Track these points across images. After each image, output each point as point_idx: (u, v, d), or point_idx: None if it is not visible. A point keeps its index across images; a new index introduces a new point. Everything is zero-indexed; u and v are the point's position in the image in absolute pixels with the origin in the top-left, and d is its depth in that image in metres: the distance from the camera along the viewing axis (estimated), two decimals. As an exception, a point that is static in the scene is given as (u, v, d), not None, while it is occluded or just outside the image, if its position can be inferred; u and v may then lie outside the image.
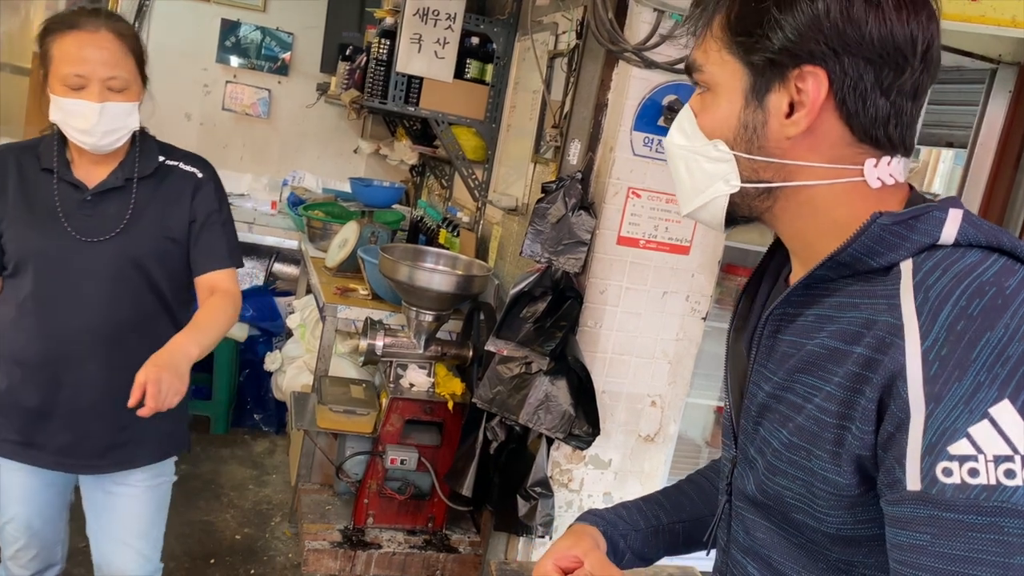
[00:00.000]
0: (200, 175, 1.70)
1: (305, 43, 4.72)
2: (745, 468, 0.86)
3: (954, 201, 0.74)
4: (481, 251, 3.15)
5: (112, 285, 1.60)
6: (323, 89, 4.54)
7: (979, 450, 0.62)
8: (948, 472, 0.62)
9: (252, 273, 4.61)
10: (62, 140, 1.61)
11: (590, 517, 1.04)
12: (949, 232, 0.71)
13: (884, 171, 0.77)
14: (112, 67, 1.52)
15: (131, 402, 1.38)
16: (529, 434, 2.27)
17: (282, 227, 4.36)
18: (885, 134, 0.76)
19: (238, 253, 1.77)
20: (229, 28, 4.62)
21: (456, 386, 2.54)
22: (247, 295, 4.12)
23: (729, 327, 0.95)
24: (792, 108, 0.75)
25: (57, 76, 1.51)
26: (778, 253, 0.92)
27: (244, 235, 4.23)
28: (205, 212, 1.69)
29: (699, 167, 0.82)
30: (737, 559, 0.89)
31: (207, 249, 1.70)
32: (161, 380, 1.40)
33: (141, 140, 1.66)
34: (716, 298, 2.57)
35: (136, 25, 4.51)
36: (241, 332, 3.87)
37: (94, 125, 1.51)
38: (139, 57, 1.58)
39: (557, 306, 2.23)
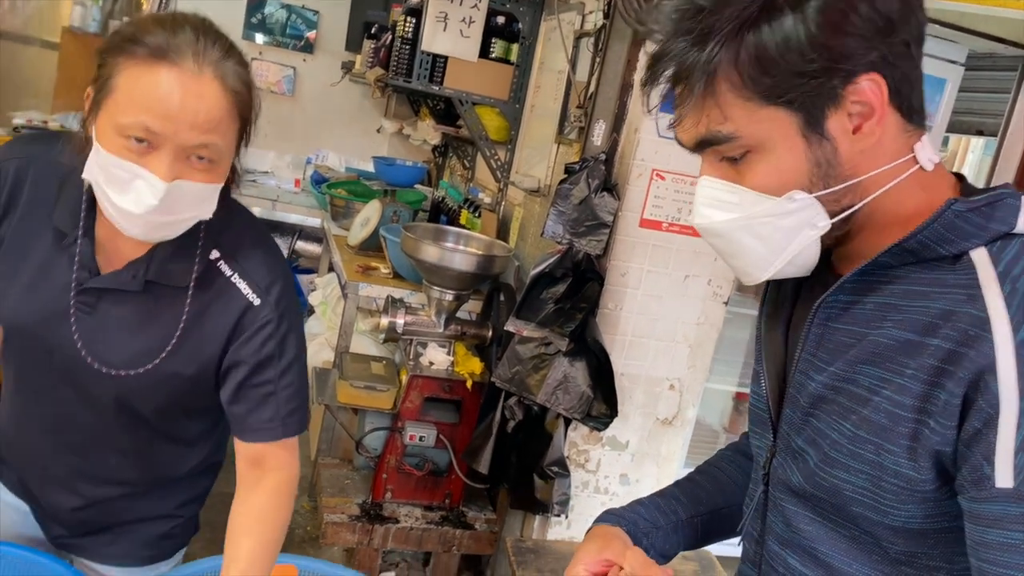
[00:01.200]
0: (256, 302, 1.13)
1: (330, 21, 4.72)
2: (787, 458, 0.83)
3: (1011, 188, 0.73)
4: (502, 232, 3.15)
5: (92, 404, 1.17)
6: (348, 67, 4.55)
7: None
8: None
9: None
10: (82, 186, 1.08)
11: (611, 518, 1.00)
12: None
13: (928, 149, 0.75)
14: (205, 131, 0.96)
15: None
16: (547, 414, 2.28)
17: (305, 205, 4.39)
18: (920, 102, 0.74)
19: (301, 414, 1.19)
20: (255, 5, 4.63)
21: (475, 365, 2.56)
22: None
23: (759, 314, 0.93)
24: (851, 119, 0.72)
25: (114, 119, 0.96)
26: None
27: (267, 213, 4.29)
28: (254, 358, 1.13)
29: (774, 228, 0.75)
30: (775, 551, 0.86)
31: (254, 413, 1.16)
32: None
33: (206, 222, 1.08)
34: (736, 284, 2.56)
35: (163, 0, 4.53)
36: (263, 308, 3.90)
37: (149, 212, 0.97)
38: (246, 119, 1.04)
39: (578, 288, 2.23)
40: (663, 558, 1.01)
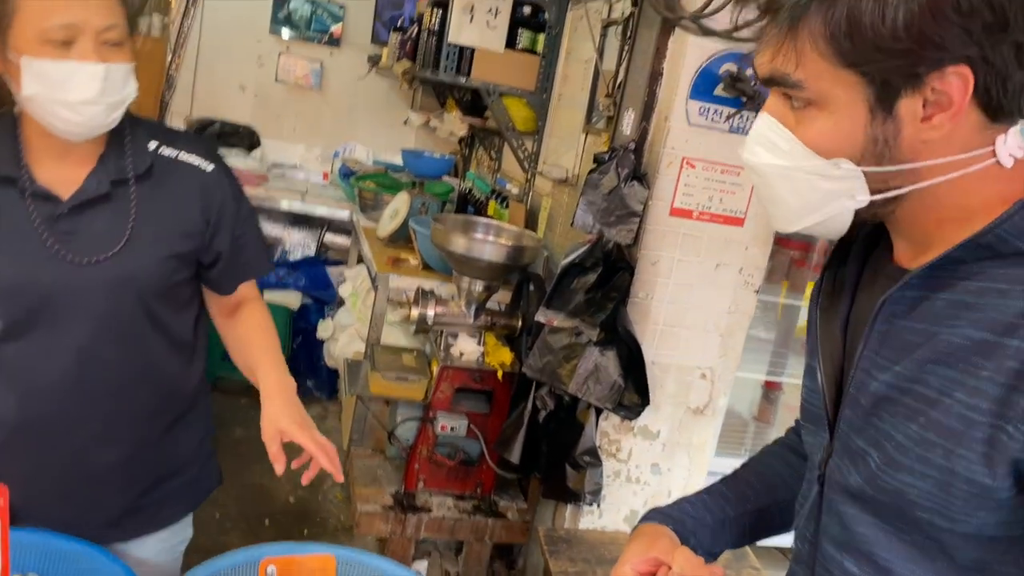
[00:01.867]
0: (208, 168, 1.31)
1: (356, 15, 4.74)
2: (846, 459, 0.80)
3: None
4: (530, 222, 3.16)
5: (104, 321, 1.23)
6: (375, 61, 4.57)
7: None
8: None
9: (304, 243, 4.70)
10: (13, 131, 1.20)
11: (657, 516, 0.99)
12: None
13: (1013, 144, 0.71)
14: (108, 14, 1.11)
15: (280, 470, 1.18)
16: (578, 404, 2.29)
17: (333, 198, 4.42)
18: (1017, 105, 0.69)
19: (267, 254, 1.45)
20: (281, 1, 4.66)
21: (505, 356, 2.57)
22: (300, 265, 4.20)
23: (813, 306, 0.90)
24: (925, 106, 0.68)
25: (31, 30, 1.07)
26: (864, 226, 0.85)
27: (297, 205, 4.33)
28: (227, 219, 1.32)
29: (811, 186, 0.74)
30: (829, 553, 0.83)
31: (235, 267, 1.37)
32: (318, 439, 1.22)
33: (128, 123, 1.25)
34: (766, 273, 2.54)
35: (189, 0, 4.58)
36: (294, 301, 3.94)
37: (98, 94, 1.10)
38: (128, 8, 1.18)
39: (608, 277, 2.23)
40: (710, 556, 0.99)
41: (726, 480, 1.07)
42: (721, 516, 1.00)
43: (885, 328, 0.77)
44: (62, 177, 1.20)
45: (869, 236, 0.86)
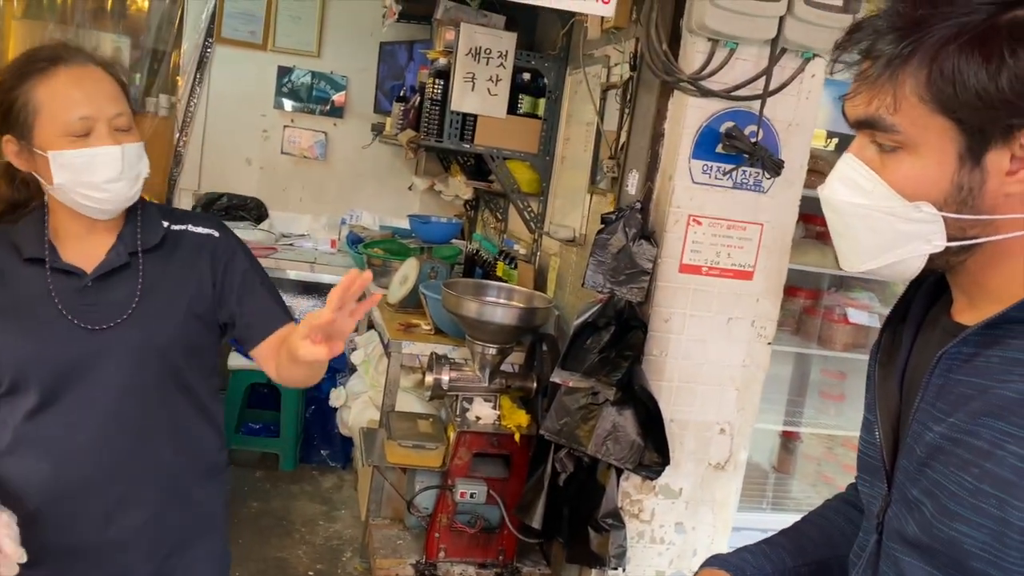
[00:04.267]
0: (216, 234, 1.42)
1: (358, 86, 4.85)
2: (903, 509, 0.82)
3: None
4: (539, 282, 3.18)
5: (131, 384, 1.30)
6: (379, 130, 4.65)
7: None
8: None
9: (314, 311, 4.71)
10: (41, 219, 1.32)
11: (716, 562, 1.02)
12: None
13: None
14: (115, 102, 1.25)
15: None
16: (598, 465, 2.27)
17: (342, 265, 4.46)
18: None
19: (283, 306, 1.48)
20: (283, 74, 4.78)
21: (522, 418, 2.56)
22: (311, 333, 4.21)
23: (871, 362, 0.93)
24: (1012, 160, 0.72)
25: (54, 127, 1.21)
26: (924, 285, 0.89)
27: (306, 274, 4.36)
28: (238, 274, 1.41)
29: (890, 227, 0.77)
30: None
31: (260, 313, 1.41)
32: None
33: (140, 204, 1.37)
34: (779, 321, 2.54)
35: (198, 76, 4.70)
36: (306, 369, 3.94)
37: (120, 172, 1.23)
38: (126, 93, 1.31)
39: (621, 336, 2.24)
40: None
41: (786, 532, 1.09)
42: (781, 567, 1.02)
43: (941, 382, 0.79)
44: (85, 254, 1.32)
45: (927, 296, 0.89)
